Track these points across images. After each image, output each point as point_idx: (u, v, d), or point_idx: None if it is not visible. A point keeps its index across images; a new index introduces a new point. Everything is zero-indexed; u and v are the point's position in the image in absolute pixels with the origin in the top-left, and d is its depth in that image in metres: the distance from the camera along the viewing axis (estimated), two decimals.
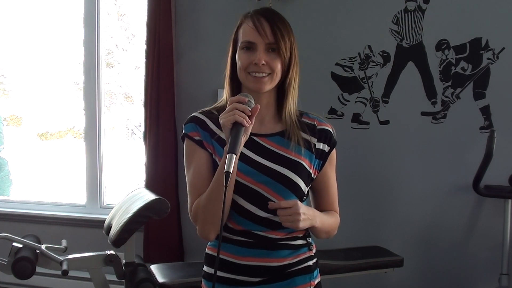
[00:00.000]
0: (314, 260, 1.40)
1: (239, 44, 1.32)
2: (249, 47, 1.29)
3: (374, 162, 2.96)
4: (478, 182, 2.66)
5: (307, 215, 1.25)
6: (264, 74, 1.28)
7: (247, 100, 1.23)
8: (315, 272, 1.39)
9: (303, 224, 1.23)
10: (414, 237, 2.94)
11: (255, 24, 1.28)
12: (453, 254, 2.88)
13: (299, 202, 1.23)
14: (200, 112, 1.39)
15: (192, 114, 1.39)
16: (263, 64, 1.27)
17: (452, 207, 2.88)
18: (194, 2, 3.11)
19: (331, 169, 1.41)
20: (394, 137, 2.91)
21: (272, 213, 1.29)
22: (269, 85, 1.30)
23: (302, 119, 1.39)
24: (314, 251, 1.41)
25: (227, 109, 1.22)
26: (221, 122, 1.21)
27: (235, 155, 1.14)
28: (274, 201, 1.28)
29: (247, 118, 1.19)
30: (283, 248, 1.32)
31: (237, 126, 1.18)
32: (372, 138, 2.94)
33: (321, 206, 1.42)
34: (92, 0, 3.31)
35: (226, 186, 1.12)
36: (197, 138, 1.34)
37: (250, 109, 1.21)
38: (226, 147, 1.18)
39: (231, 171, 1.12)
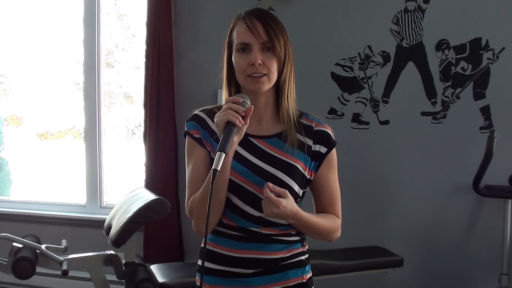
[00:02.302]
0: (306, 256, 1.43)
1: (234, 47, 1.33)
2: (244, 48, 1.30)
3: (374, 162, 2.96)
4: (478, 182, 2.66)
5: (283, 213, 1.23)
6: (261, 74, 1.29)
7: (242, 100, 1.25)
8: (307, 267, 1.42)
9: (271, 216, 1.24)
10: (414, 237, 2.94)
11: (247, 25, 1.30)
12: (453, 254, 2.88)
13: (289, 204, 1.22)
14: (201, 110, 1.42)
15: (194, 112, 1.42)
16: (259, 64, 1.28)
17: (452, 207, 2.88)
18: (194, 2, 3.11)
19: (329, 171, 1.40)
20: (394, 137, 2.91)
21: None
22: (267, 84, 1.32)
23: (301, 120, 1.40)
24: (307, 247, 1.44)
25: (222, 108, 1.25)
26: (215, 121, 1.24)
27: (224, 154, 1.17)
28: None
29: (240, 118, 1.21)
30: (277, 243, 1.35)
31: (229, 126, 1.21)
32: (372, 138, 2.94)
33: (318, 208, 1.42)
34: (92, 0, 3.31)
35: (212, 183, 1.16)
36: (197, 136, 1.37)
37: (244, 109, 1.23)
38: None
39: (218, 169, 1.15)
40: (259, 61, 1.28)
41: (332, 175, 1.41)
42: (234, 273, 1.34)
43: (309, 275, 1.42)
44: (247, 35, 1.29)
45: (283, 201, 1.22)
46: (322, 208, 1.41)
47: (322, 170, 1.38)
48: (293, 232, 1.38)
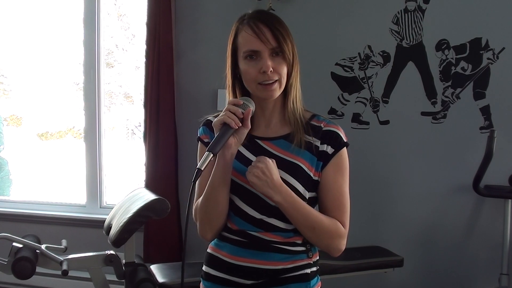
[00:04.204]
0: (314, 268, 1.36)
1: (240, 54, 1.29)
2: (253, 55, 1.27)
3: (374, 162, 2.96)
4: (478, 182, 2.66)
5: (267, 177, 1.20)
6: (272, 81, 1.27)
7: (242, 103, 1.24)
8: (313, 280, 1.35)
9: (254, 180, 1.21)
10: (414, 237, 2.94)
11: (254, 31, 1.26)
12: (453, 254, 2.89)
13: (269, 163, 1.22)
14: (213, 116, 1.41)
15: (207, 117, 1.42)
16: (270, 71, 1.25)
17: (452, 207, 2.88)
18: (194, 2, 3.11)
19: (335, 173, 1.32)
20: (394, 137, 2.91)
21: (266, 214, 1.30)
22: (279, 91, 1.30)
23: (311, 121, 1.36)
24: (314, 259, 1.37)
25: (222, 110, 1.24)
26: (213, 122, 1.24)
27: (211, 154, 1.17)
28: (268, 202, 1.29)
29: (236, 120, 1.20)
30: (278, 252, 1.30)
31: (225, 127, 1.20)
32: (372, 138, 2.94)
33: (320, 211, 1.33)
34: (92, 0, 3.31)
35: (194, 182, 1.16)
36: (206, 140, 1.37)
37: (243, 111, 1.22)
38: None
39: (202, 169, 1.16)
40: (271, 69, 1.25)
41: (339, 178, 1.32)
42: (233, 282, 1.32)
43: None
44: (255, 42, 1.25)
45: (267, 162, 1.21)
46: (325, 212, 1.32)
47: (327, 170, 1.31)
48: (298, 241, 1.33)
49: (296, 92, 1.34)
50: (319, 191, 1.33)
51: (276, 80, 1.27)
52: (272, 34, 1.26)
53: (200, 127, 1.41)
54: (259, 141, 1.34)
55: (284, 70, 1.28)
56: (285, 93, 1.34)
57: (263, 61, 1.25)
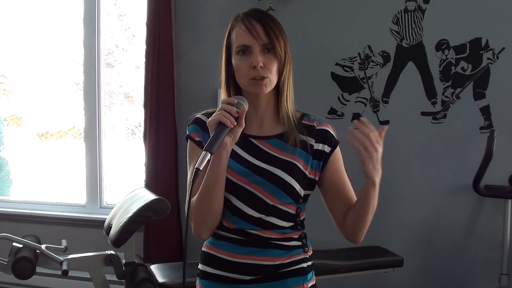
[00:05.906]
0: (309, 263, 1.38)
1: (233, 49, 1.31)
2: (245, 50, 1.28)
3: None
4: (478, 182, 2.66)
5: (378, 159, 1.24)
6: (262, 77, 1.27)
7: (236, 101, 1.24)
8: (309, 274, 1.38)
9: (378, 172, 1.24)
10: (414, 237, 2.94)
11: (247, 27, 1.27)
12: (453, 254, 2.88)
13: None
14: (203, 114, 1.40)
15: (195, 116, 1.41)
16: (261, 66, 1.26)
17: (452, 207, 2.88)
18: (194, 2, 3.11)
19: (339, 167, 1.38)
20: (394, 137, 2.90)
21: (264, 213, 1.30)
22: (269, 87, 1.30)
23: (303, 121, 1.38)
24: (310, 253, 1.40)
25: (216, 110, 1.24)
26: (207, 122, 1.24)
27: (209, 153, 1.17)
28: (267, 202, 1.29)
29: (232, 119, 1.20)
30: (277, 248, 1.32)
31: (220, 126, 1.20)
32: None
33: (347, 204, 1.37)
34: (92, 0, 3.31)
35: (193, 182, 1.16)
36: (197, 139, 1.36)
37: (237, 110, 1.22)
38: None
39: (200, 168, 1.15)
40: (261, 64, 1.26)
41: (343, 171, 1.40)
42: (232, 279, 1.33)
43: (312, 283, 1.38)
44: (247, 37, 1.27)
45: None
46: (351, 201, 1.38)
47: (333, 167, 1.36)
48: (295, 236, 1.35)
49: (289, 91, 1.35)
50: (337, 187, 1.37)
51: (266, 77, 1.28)
52: (264, 30, 1.27)
53: (189, 125, 1.40)
54: (253, 140, 1.35)
55: (275, 67, 1.29)
56: (278, 92, 1.35)
57: (254, 56, 1.26)
